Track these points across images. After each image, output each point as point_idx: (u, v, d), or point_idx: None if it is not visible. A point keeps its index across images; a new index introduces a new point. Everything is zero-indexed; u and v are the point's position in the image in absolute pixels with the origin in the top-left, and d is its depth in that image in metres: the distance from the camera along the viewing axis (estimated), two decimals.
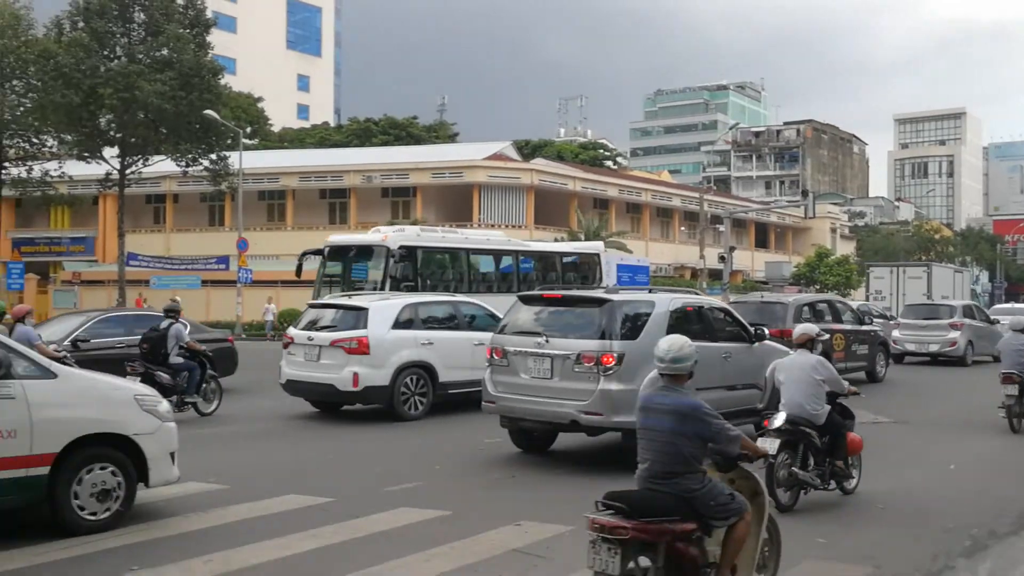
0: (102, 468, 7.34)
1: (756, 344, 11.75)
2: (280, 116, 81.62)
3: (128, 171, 39.70)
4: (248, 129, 60.98)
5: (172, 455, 7.89)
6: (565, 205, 51.44)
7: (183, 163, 40.16)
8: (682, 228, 61.57)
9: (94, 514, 7.27)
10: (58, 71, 36.82)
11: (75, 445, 7.15)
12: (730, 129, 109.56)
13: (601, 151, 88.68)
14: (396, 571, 6.50)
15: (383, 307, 14.21)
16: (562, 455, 11.24)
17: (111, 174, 39.96)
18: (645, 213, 58.28)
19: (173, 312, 14.25)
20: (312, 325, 14.55)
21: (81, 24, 38.53)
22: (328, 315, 14.70)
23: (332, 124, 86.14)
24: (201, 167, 40.42)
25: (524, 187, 49.53)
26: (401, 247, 20.10)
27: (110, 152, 39.85)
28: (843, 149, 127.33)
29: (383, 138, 69.53)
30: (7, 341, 7.34)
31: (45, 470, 6.99)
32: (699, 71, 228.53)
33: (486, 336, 12.59)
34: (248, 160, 43.10)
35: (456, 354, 14.27)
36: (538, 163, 56.45)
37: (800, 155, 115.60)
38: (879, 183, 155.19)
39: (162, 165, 41.30)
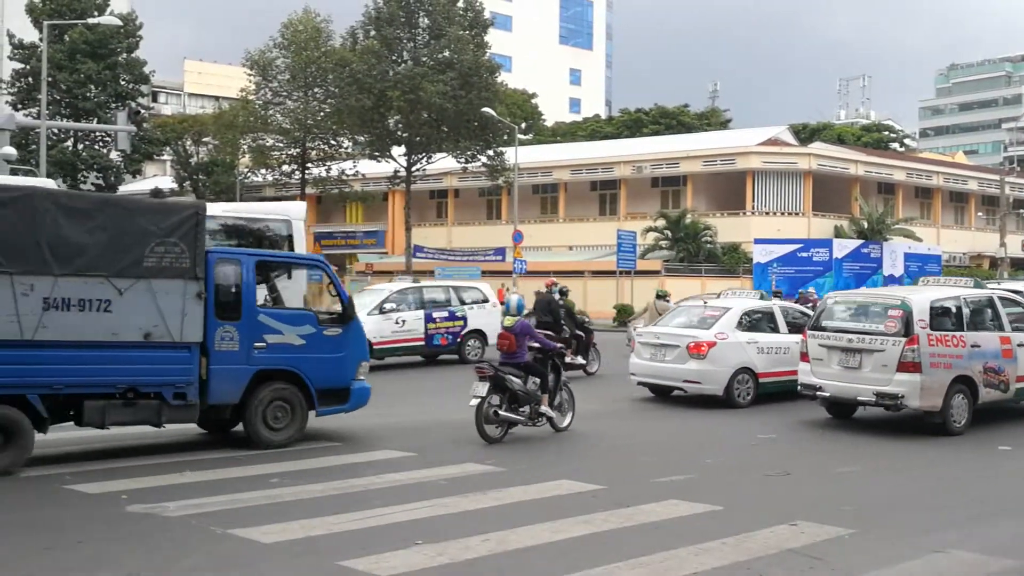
0: None
1: None
2: (553, 110, 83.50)
3: (414, 168, 42.41)
4: (523, 125, 63.00)
5: None
6: (846, 191, 48.76)
7: (463, 160, 42.33)
8: (979, 214, 56.49)
9: None
10: (353, 77, 40.06)
11: None
12: None
13: (886, 133, 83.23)
14: (667, 563, 6.48)
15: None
16: (840, 454, 10.72)
17: (399, 172, 42.88)
18: (936, 198, 54.09)
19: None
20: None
21: (372, 32, 41.58)
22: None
23: (603, 116, 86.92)
24: (479, 163, 42.43)
25: (801, 172, 47.47)
26: None
27: (398, 151, 42.78)
28: None
29: (653, 128, 69.20)
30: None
31: None
32: (998, 42, 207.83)
33: None
34: (523, 155, 44.50)
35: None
36: (816, 147, 53.88)
37: None
38: None
39: (444, 162, 43.70)
